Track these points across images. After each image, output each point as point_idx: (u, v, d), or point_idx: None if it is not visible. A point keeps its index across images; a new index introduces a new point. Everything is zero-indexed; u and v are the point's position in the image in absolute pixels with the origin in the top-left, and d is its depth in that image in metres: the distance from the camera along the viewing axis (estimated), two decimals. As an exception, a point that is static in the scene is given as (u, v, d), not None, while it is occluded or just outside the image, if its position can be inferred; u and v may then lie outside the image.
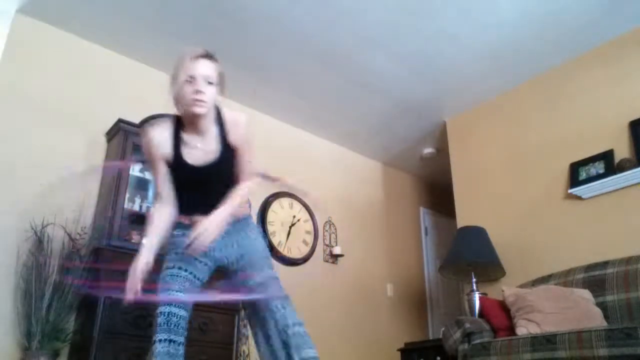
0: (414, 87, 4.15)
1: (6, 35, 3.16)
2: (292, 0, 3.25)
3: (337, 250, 4.61)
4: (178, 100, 1.85)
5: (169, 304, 1.85)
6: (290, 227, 4.39)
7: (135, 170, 3.44)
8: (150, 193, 3.52)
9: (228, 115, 1.96)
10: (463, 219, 4.18)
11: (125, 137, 3.35)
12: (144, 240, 1.90)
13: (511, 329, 2.88)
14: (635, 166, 3.19)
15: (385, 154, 5.29)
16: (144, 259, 1.84)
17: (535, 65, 3.91)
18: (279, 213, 4.37)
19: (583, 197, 3.45)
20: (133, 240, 3.28)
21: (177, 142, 1.89)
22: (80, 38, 3.64)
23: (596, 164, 3.43)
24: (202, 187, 1.94)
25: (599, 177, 3.36)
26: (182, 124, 1.91)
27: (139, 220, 3.42)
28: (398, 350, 4.02)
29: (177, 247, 1.95)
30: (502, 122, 4.21)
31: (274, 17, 3.41)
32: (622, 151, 3.34)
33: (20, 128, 3.23)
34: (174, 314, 1.84)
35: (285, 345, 1.90)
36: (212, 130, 1.92)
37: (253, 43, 3.68)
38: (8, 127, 3.18)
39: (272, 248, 4.18)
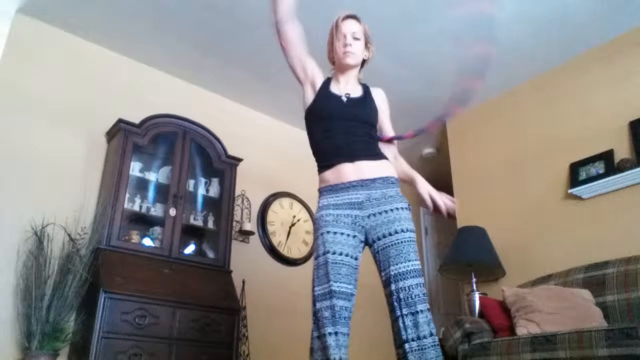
0: (414, 87, 4.14)
1: (6, 35, 3.17)
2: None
3: (337, 250, 4.60)
4: (333, 56, 2.15)
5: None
6: (290, 227, 4.39)
7: (135, 170, 3.44)
8: (151, 193, 3.52)
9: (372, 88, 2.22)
10: (463, 219, 4.18)
11: (125, 137, 3.35)
12: None
13: (511, 329, 2.88)
14: (635, 166, 3.19)
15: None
16: None
17: (535, 65, 3.91)
18: (279, 213, 4.37)
19: (583, 197, 3.45)
20: (133, 240, 3.28)
21: (328, 82, 2.15)
22: (80, 38, 3.64)
23: (596, 164, 3.43)
24: (346, 122, 2.04)
25: (598, 177, 3.35)
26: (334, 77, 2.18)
27: (139, 220, 3.43)
28: (398, 350, 4.02)
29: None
30: (502, 122, 4.20)
31: (274, 17, 3.40)
32: (622, 151, 3.34)
33: (20, 128, 3.23)
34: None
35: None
36: (359, 84, 2.19)
37: (253, 43, 3.68)
38: (8, 127, 3.18)
39: (272, 248, 4.18)
